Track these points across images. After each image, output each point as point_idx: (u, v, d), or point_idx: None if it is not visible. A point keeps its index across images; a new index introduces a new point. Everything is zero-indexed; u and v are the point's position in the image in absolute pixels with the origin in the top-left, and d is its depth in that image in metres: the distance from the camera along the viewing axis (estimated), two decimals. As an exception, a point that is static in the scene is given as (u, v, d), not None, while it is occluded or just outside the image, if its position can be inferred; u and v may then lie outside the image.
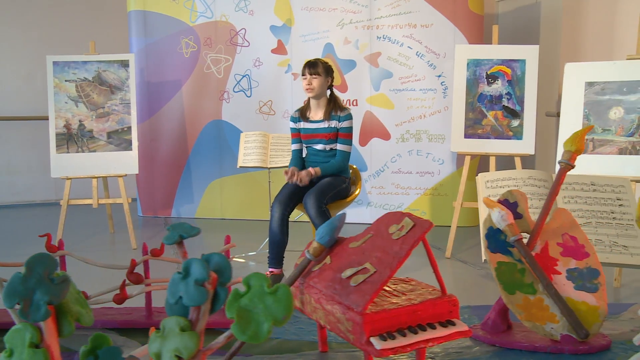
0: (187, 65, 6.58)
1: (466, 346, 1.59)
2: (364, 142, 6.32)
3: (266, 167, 5.18)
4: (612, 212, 2.67)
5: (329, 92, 4.38)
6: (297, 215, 4.92)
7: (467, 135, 5.32)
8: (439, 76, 6.10)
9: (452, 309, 1.36)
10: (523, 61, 5.24)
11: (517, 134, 5.25)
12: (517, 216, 1.74)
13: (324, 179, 4.29)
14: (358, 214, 6.37)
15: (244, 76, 6.52)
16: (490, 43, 5.48)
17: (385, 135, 6.26)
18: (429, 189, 6.19)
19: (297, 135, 4.47)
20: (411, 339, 1.27)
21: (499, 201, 1.79)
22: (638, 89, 4.14)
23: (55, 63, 5.55)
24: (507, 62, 5.26)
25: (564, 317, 1.57)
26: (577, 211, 2.57)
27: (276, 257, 4.28)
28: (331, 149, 4.36)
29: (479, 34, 6.11)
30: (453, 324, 1.34)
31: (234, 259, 4.97)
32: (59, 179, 5.56)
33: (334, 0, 6.22)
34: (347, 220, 6.31)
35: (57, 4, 7.67)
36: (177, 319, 1.34)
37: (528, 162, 5.83)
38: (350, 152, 4.37)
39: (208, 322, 1.70)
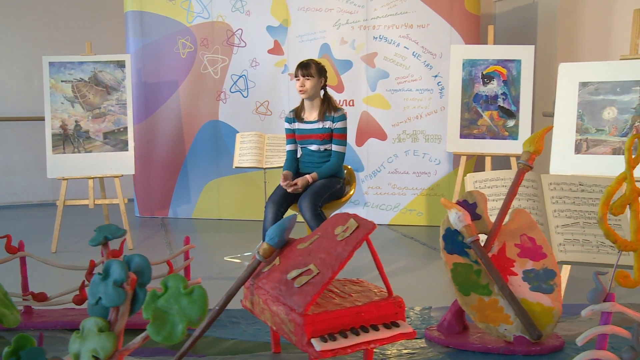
0: (184, 65, 6.59)
1: (420, 347, 1.59)
2: (360, 142, 6.32)
3: (262, 168, 5.18)
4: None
5: (322, 92, 4.38)
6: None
7: (462, 136, 5.33)
8: (436, 76, 6.09)
9: (397, 311, 1.36)
10: (518, 61, 5.24)
11: (513, 134, 5.25)
12: (476, 217, 1.74)
13: (318, 181, 4.29)
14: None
15: (240, 76, 6.52)
16: (487, 43, 5.48)
17: (382, 136, 6.26)
18: (425, 189, 6.18)
19: (292, 136, 4.47)
20: (352, 340, 1.27)
21: (458, 202, 1.78)
22: (632, 89, 4.13)
23: (51, 63, 5.56)
24: (503, 62, 5.26)
25: (518, 318, 1.57)
26: (565, 211, 2.57)
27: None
28: (325, 150, 4.36)
29: (475, 34, 6.11)
30: (397, 325, 1.33)
31: (229, 259, 4.97)
32: (56, 179, 5.56)
33: (330, 0, 6.22)
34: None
35: (55, 4, 7.67)
36: (96, 320, 1.34)
37: (524, 162, 5.81)
38: (345, 153, 4.37)
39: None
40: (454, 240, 1.71)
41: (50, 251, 5.32)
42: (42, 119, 5.58)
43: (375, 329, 1.31)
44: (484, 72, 5.29)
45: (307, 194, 4.14)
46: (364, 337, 1.27)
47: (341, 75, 6.29)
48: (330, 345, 1.23)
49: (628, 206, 1.61)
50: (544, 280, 1.61)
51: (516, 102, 5.20)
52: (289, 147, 4.53)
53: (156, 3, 6.55)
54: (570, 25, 6.52)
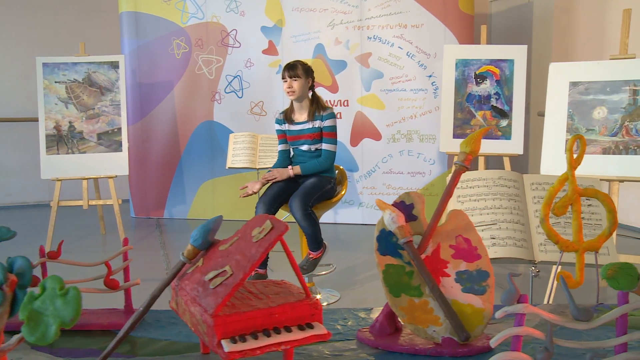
0: (179, 66, 6.60)
1: (350, 349, 1.60)
2: (355, 142, 6.32)
3: (255, 168, 5.19)
4: (581, 213, 2.67)
5: (311, 93, 4.37)
6: (284, 215, 4.92)
7: (455, 136, 5.32)
8: (430, 76, 6.10)
9: (314, 312, 1.37)
10: (511, 61, 5.23)
11: (506, 134, 5.25)
12: (412, 218, 1.73)
13: (308, 180, 4.27)
14: (350, 214, 6.39)
15: (235, 77, 6.53)
16: (481, 43, 5.48)
17: (376, 136, 6.26)
18: (420, 189, 6.19)
19: (283, 136, 4.47)
20: (262, 341, 1.27)
21: (395, 203, 1.78)
22: (621, 88, 4.13)
23: (45, 64, 5.56)
24: (496, 62, 5.26)
25: (447, 319, 1.57)
26: (548, 211, 2.57)
27: (261, 257, 4.26)
28: (316, 149, 4.35)
29: (469, 34, 6.11)
30: (312, 327, 1.34)
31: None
32: (51, 180, 5.57)
33: (324, 1, 6.23)
34: (340, 221, 6.33)
35: (49, 5, 7.69)
36: None
37: (519, 162, 5.83)
38: (335, 152, 4.36)
39: (106, 324, 1.72)
40: (387, 242, 1.71)
41: (46, 252, 5.32)
42: (37, 119, 5.59)
43: (288, 330, 1.32)
44: (477, 72, 5.28)
45: (298, 194, 4.13)
46: (274, 339, 1.28)
47: (335, 76, 6.30)
48: (240, 346, 1.24)
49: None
50: (476, 281, 1.61)
51: (509, 102, 5.19)
52: (281, 147, 4.53)
53: (151, 4, 6.56)
54: (565, 25, 6.53)
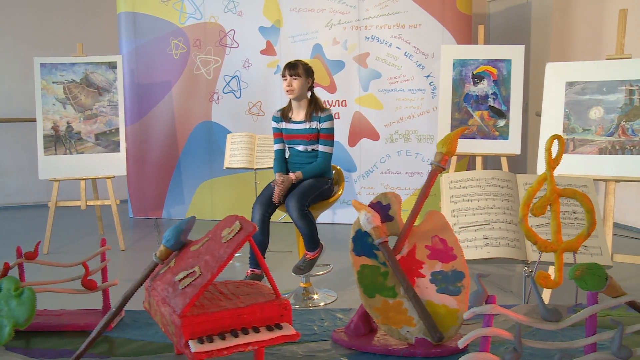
0: (177, 66, 6.60)
1: (323, 349, 1.59)
2: (353, 142, 6.32)
3: (252, 168, 5.18)
4: (574, 212, 2.66)
5: (310, 93, 4.37)
6: (281, 216, 4.93)
7: (453, 136, 5.30)
8: (428, 76, 6.08)
9: (283, 313, 1.36)
10: (509, 61, 5.21)
11: (503, 134, 5.23)
12: (389, 219, 1.72)
13: (305, 181, 4.27)
14: (347, 215, 6.38)
15: (233, 77, 6.53)
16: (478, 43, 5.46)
17: (375, 136, 6.25)
18: (418, 189, 6.17)
19: (280, 135, 4.46)
20: (230, 342, 1.26)
21: (372, 203, 1.77)
22: (618, 88, 4.11)
23: (42, 65, 5.57)
24: (493, 62, 5.24)
25: (421, 320, 1.56)
26: (538, 211, 2.55)
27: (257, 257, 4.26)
28: (313, 150, 4.34)
29: (467, 34, 6.09)
30: (280, 327, 1.33)
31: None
32: (50, 180, 5.57)
33: (322, 1, 6.22)
34: (338, 221, 6.30)
35: (48, 6, 7.71)
36: None
37: (517, 162, 5.82)
38: (331, 153, 4.35)
39: (83, 325, 1.71)
40: (363, 242, 1.70)
41: (42, 252, 5.34)
42: (35, 120, 5.60)
43: (257, 331, 1.31)
44: (475, 72, 5.26)
45: (295, 194, 4.13)
46: (242, 339, 1.27)
47: (333, 76, 6.29)
48: (207, 347, 1.24)
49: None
50: (451, 282, 1.60)
51: (506, 102, 5.18)
52: (277, 147, 4.51)
53: (149, 4, 6.57)
54: (564, 25, 6.51)
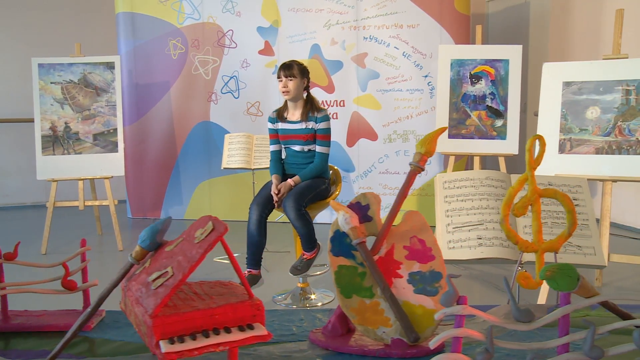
0: (175, 66, 6.60)
1: (300, 350, 1.59)
2: (351, 142, 6.31)
3: (250, 169, 5.18)
4: (563, 212, 2.65)
5: (305, 93, 4.36)
6: (278, 216, 4.91)
7: (451, 136, 5.29)
8: (426, 76, 6.07)
9: (255, 313, 1.36)
10: (506, 61, 5.20)
11: (501, 134, 5.22)
12: (368, 219, 1.72)
13: (303, 181, 4.27)
14: (345, 215, 6.37)
15: (231, 77, 6.53)
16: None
17: (373, 136, 6.24)
18: (416, 189, 6.16)
19: (275, 136, 4.45)
20: (201, 342, 1.26)
21: (351, 204, 1.77)
22: (614, 88, 4.10)
23: (40, 65, 5.58)
24: (491, 62, 5.23)
25: (398, 320, 1.55)
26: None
27: (254, 258, 4.26)
28: (309, 150, 4.33)
29: (465, 34, 6.08)
30: (252, 328, 1.33)
31: (219, 260, 4.98)
32: (48, 181, 5.58)
33: (320, 1, 6.21)
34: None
35: (46, 6, 7.72)
36: None
37: (515, 162, 5.79)
38: (328, 154, 4.34)
39: (62, 325, 1.71)
40: (341, 243, 1.70)
41: (40, 253, 5.34)
42: (33, 120, 5.60)
43: (228, 331, 1.31)
44: (472, 72, 5.25)
45: (292, 194, 4.12)
46: (213, 339, 1.27)
47: (331, 76, 6.28)
48: (177, 347, 1.23)
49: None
50: (429, 282, 1.59)
51: (504, 101, 5.16)
52: (273, 147, 4.50)
53: (147, 4, 6.57)
54: (562, 25, 6.49)
